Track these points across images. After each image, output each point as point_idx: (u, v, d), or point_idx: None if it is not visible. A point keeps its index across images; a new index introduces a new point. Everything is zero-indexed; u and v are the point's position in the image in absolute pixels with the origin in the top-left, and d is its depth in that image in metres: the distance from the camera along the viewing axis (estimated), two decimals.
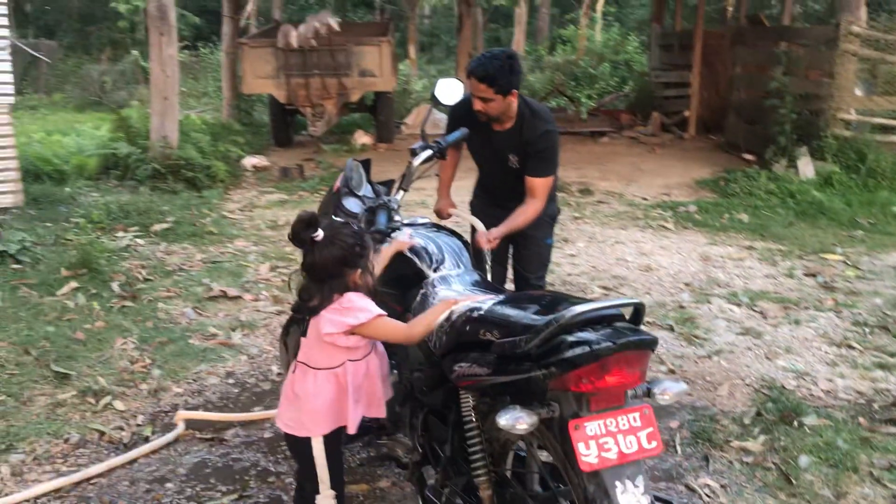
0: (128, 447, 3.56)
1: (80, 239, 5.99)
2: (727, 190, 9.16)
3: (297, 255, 2.54)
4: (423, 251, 2.81)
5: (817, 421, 3.79)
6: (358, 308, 2.42)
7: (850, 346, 4.80)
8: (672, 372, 4.43)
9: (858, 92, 9.99)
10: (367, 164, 3.29)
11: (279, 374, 4.24)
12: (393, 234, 2.88)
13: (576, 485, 2.00)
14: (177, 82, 9.08)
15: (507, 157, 3.70)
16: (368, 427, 3.05)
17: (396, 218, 3.07)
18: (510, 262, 4.05)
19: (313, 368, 2.50)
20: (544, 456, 2.28)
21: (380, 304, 2.50)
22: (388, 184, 3.35)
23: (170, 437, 3.60)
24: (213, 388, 4.19)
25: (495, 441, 2.39)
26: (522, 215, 3.67)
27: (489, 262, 3.39)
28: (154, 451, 3.52)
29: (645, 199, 9.01)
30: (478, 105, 3.53)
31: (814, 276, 6.20)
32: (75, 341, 4.57)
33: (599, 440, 1.94)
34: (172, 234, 6.96)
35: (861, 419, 3.85)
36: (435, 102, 3.45)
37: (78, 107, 17.43)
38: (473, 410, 2.35)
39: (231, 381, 4.29)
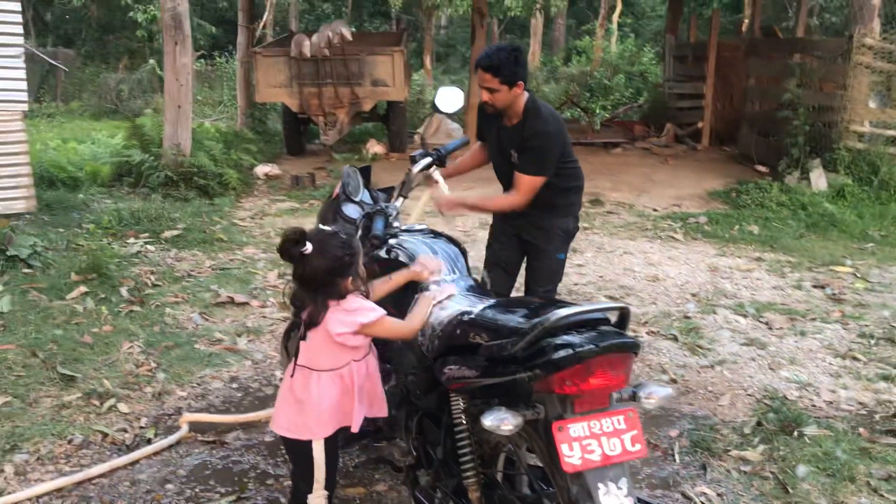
0: (131, 449, 3.60)
1: (90, 244, 6.06)
2: (738, 201, 9.14)
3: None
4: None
5: (817, 431, 3.78)
6: (366, 308, 2.49)
7: (855, 358, 4.78)
8: (674, 381, 4.43)
9: (872, 104, 9.95)
10: (366, 172, 3.33)
11: (282, 378, 4.27)
12: (404, 256, 2.87)
13: (560, 486, 2.02)
14: (190, 91, 9.18)
15: (510, 152, 3.75)
16: (366, 431, 3.08)
17: (395, 224, 3.11)
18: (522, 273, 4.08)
19: (316, 371, 2.54)
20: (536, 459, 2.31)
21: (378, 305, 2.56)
22: (389, 191, 3.39)
23: (173, 439, 3.64)
24: (217, 392, 4.23)
25: (485, 443, 2.41)
26: (495, 200, 3.76)
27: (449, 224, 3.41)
28: (156, 453, 3.56)
29: (655, 210, 9.01)
30: (484, 96, 3.60)
31: (822, 287, 6.18)
32: (82, 345, 4.63)
33: (583, 442, 1.96)
34: (183, 240, 7.02)
35: (862, 430, 3.84)
36: (435, 110, 3.48)
37: (94, 115, 17.64)
38: (463, 413, 2.38)
39: (235, 385, 4.33)
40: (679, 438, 3.78)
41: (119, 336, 4.81)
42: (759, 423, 3.89)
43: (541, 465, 2.19)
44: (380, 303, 2.63)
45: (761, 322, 5.38)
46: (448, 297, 2.49)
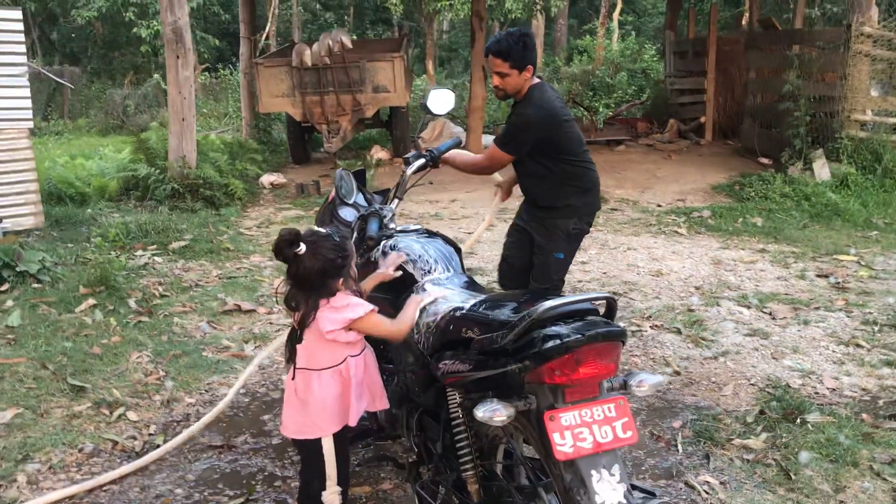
0: (140, 456, 3.66)
1: (98, 258, 6.14)
2: (742, 194, 9.16)
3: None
4: (413, 257, 2.88)
5: (820, 418, 3.80)
6: (354, 303, 2.54)
7: (859, 345, 4.80)
8: (677, 374, 4.46)
9: (874, 92, 9.95)
10: (360, 175, 3.38)
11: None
12: (383, 258, 2.93)
13: (555, 475, 2.05)
14: (193, 103, 9.26)
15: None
16: (369, 430, 3.13)
17: (391, 226, 3.16)
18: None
19: (316, 370, 2.59)
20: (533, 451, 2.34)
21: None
22: (385, 193, 3.44)
23: None
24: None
25: (483, 436, 2.46)
26: (464, 156, 3.91)
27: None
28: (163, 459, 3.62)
29: (659, 205, 9.03)
30: (495, 81, 3.74)
31: (826, 277, 6.20)
32: (92, 356, 4.69)
33: (574, 430, 2.00)
34: (190, 251, 7.09)
35: (864, 415, 3.86)
36: (426, 112, 3.53)
37: (101, 131, 17.79)
38: (459, 407, 2.42)
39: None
40: (682, 429, 3.81)
41: (128, 346, 4.87)
42: (761, 412, 3.91)
43: (537, 456, 2.23)
44: (375, 305, 2.69)
45: (765, 312, 5.40)
46: (433, 301, 2.53)
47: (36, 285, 5.86)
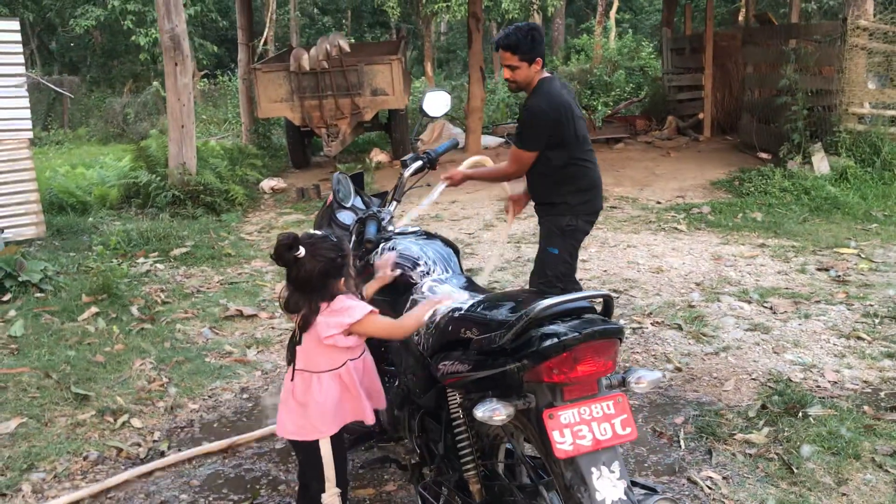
0: (145, 462, 3.68)
1: (100, 266, 6.16)
2: (742, 190, 9.16)
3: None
4: (412, 259, 2.90)
5: (822, 411, 3.81)
6: (352, 307, 2.54)
7: (860, 338, 4.80)
8: (679, 370, 4.47)
9: (871, 85, 9.94)
10: (358, 178, 3.40)
11: None
12: (375, 262, 2.94)
13: (555, 473, 2.06)
14: (192, 110, 9.29)
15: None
16: (371, 432, 3.14)
17: (390, 228, 3.17)
18: None
19: (316, 373, 2.60)
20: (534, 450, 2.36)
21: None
22: (383, 196, 3.46)
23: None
24: (228, 403, 4.30)
25: (484, 436, 2.47)
26: (488, 168, 4.08)
27: (428, 202, 3.69)
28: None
29: (659, 202, 9.03)
30: (506, 74, 3.84)
31: (826, 270, 6.20)
32: (95, 364, 4.71)
33: (574, 428, 2.01)
34: (191, 257, 7.12)
35: (866, 408, 3.86)
36: (422, 114, 3.55)
37: (101, 140, 17.83)
38: (460, 407, 2.43)
39: (245, 395, 4.40)
40: (684, 425, 3.82)
41: (131, 354, 4.89)
42: (763, 406, 3.92)
43: (538, 454, 2.25)
44: (375, 307, 2.71)
45: (765, 307, 5.41)
46: (444, 301, 2.54)
47: (38, 295, 5.89)
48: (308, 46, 12.33)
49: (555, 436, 2.00)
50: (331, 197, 3.30)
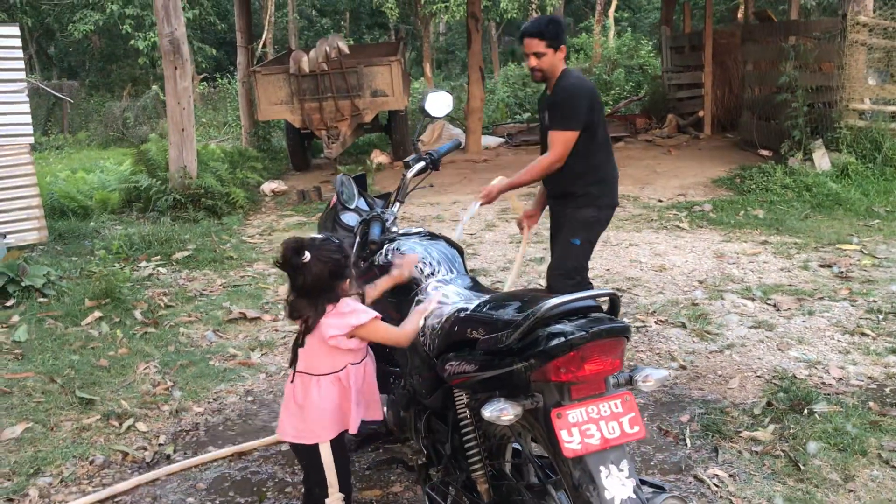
0: (151, 466, 3.68)
1: (102, 270, 6.16)
2: (743, 187, 9.16)
3: None
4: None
5: (827, 408, 3.80)
6: (358, 310, 2.55)
7: (864, 334, 4.80)
8: (683, 368, 4.47)
9: (871, 81, 9.95)
10: (361, 179, 3.40)
11: None
12: (394, 257, 2.94)
13: (564, 472, 2.06)
14: (192, 114, 9.29)
15: (545, 115, 4.02)
16: (377, 433, 3.14)
17: (394, 229, 3.17)
18: None
19: (316, 375, 2.60)
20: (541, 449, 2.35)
21: (378, 310, 2.62)
22: (386, 197, 3.46)
23: None
24: (233, 406, 4.30)
25: (491, 436, 2.47)
26: (530, 166, 3.98)
27: (464, 220, 3.76)
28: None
29: (660, 200, 9.04)
30: (532, 62, 3.89)
31: (829, 266, 6.20)
32: (99, 368, 4.71)
33: (582, 427, 2.01)
34: (193, 261, 7.12)
35: (872, 404, 3.86)
36: (424, 114, 3.55)
37: (102, 144, 17.85)
38: (467, 407, 2.43)
39: (250, 398, 4.40)
40: (690, 423, 3.81)
41: (135, 358, 4.89)
42: (768, 404, 3.91)
43: (546, 454, 2.24)
44: (381, 308, 2.71)
45: (769, 304, 5.40)
46: (438, 305, 2.55)
47: (41, 300, 5.89)
48: (307, 49, 12.34)
49: (563, 435, 1.99)
50: (334, 199, 3.30)
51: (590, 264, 6.49)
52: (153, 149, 9.85)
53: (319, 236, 2.61)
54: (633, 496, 2.00)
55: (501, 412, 2.03)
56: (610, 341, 2.02)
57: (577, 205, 4.05)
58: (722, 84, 13.45)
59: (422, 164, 3.34)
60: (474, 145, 13.05)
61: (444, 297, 2.57)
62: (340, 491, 2.67)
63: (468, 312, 2.34)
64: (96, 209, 9.30)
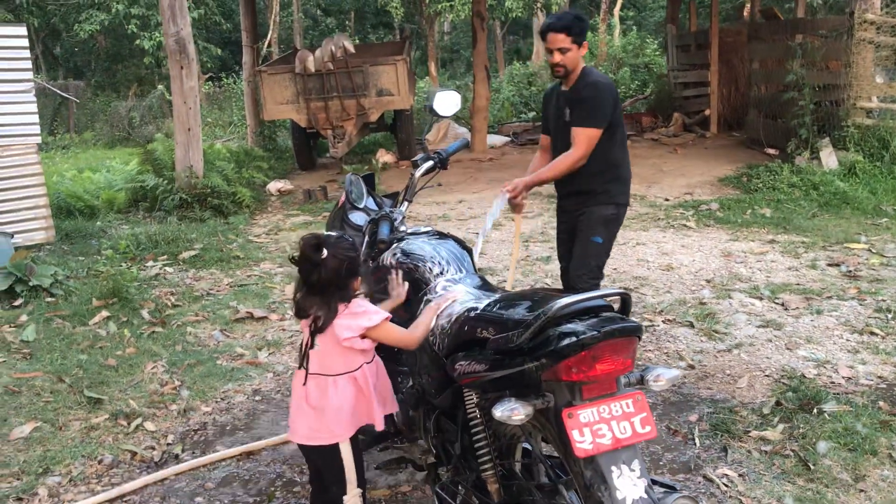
0: (159, 465, 3.68)
1: (109, 270, 6.17)
2: (750, 186, 9.14)
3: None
4: (426, 259, 2.89)
5: (837, 407, 3.79)
6: (371, 311, 2.55)
7: (873, 333, 4.78)
8: (691, 367, 4.45)
9: (879, 79, 9.90)
10: (369, 179, 3.40)
11: None
12: (391, 263, 2.94)
13: (575, 472, 2.05)
14: (199, 113, 9.30)
15: (565, 111, 3.98)
16: (386, 433, 3.13)
17: (402, 228, 3.17)
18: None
19: (332, 376, 2.60)
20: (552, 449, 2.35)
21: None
22: (394, 196, 3.45)
23: None
24: (241, 405, 4.30)
25: (501, 436, 2.46)
26: (555, 163, 3.96)
27: (489, 219, 3.73)
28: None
29: (667, 199, 9.02)
30: (556, 58, 3.86)
31: (837, 265, 6.17)
32: (107, 368, 4.72)
33: (593, 427, 2.00)
34: (200, 260, 7.13)
35: (882, 403, 3.85)
36: (432, 114, 3.54)
37: (108, 144, 17.88)
38: (477, 407, 2.43)
39: (258, 398, 4.40)
40: (699, 423, 3.80)
41: (142, 357, 4.90)
42: (777, 403, 3.90)
43: (557, 454, 2.24)
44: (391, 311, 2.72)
45: (777, 303, 5.39)
46: (451, 303, 2.54)
47: (49, 299, 5.90)
48: (313, 48, 12.35)
49: (574, 435, 1.99)
50: (343, 198, 3.29)
51: None
52: (159, 148, 9.86)
53: (334, 234, 2.61)
54: (645, 496, 1.99)
55: (512, 412, 2.03)
56: (622, 341, 2.01)
57: (596, 202, 4.03)
58: (728, 82, 13.42)
59: (430, 163, 3.34)
60: (480, 144, 13.04)
61: (456, 299, 2.56)
62: (358, 486, 2.68)
63: (478, 312, 2.34)
64: (103, 209, 9.31)
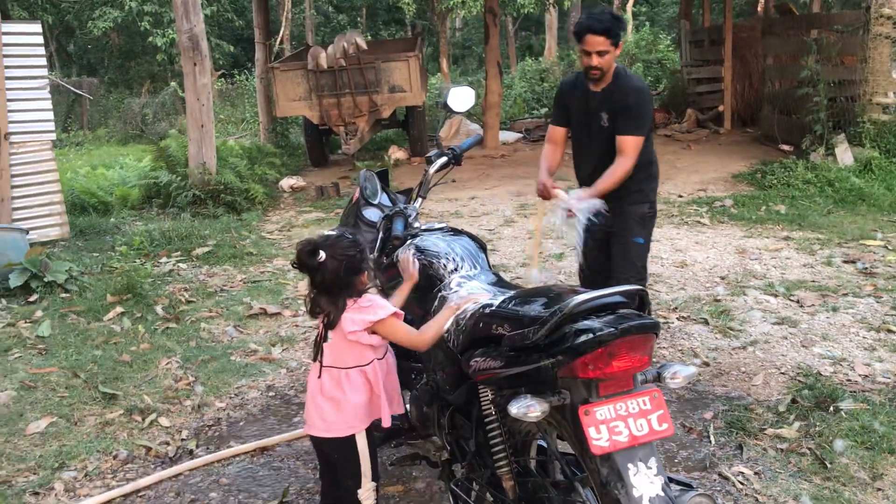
0: (174, 461, 3.69)
1: (123, 266, 6.20)
2: (764, 182, 9.08)
3: None
4: (440, 255, 2.88)
5: (854, 405, 3.76)
6: (378, 305, 2.56)
7: (890, 330, 4.75)
8: (706, 364, 4.43)
9: (895, 75, 9.81)
10: (383, 175, 3.39)
11: None
12: (398, 263, 2.93)
13: (591, 469, 2.04)
14: (211, 110, 9.32)
15: (600, 115, 3.89)
16: (399, 429, 3.13)
17: (416, 224, 3.16)
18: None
19: (344, 368, 2.60)
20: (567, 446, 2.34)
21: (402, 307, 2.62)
22: (408, 192, 3.45)
23: None
24: (255, 401, 4.31)
25: (517, 433, 2.45)
26: (611, 174, 3.83)
27: (580, 230, 3.63)
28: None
29: (680, 196, 8.97)
30: (594, 61, 3.75)
31: (853, 262, 6.13)
32: (122, 363, 4.74)
33: (610, 424, 1.99)
34: (214, 256, 7.15)
35: None
36: (447, 110, 3.53)
37: (121, 140, 17.95)
38: (492, 404, 2.42)
39: (271, 393, 4.41)
40: (714, 420, 3.79)
41: (156, 353, 4.92)
42: (793, 401, 3.88)
43: (572, 451, 2.23)
44: (404, 304, 2.72)
45: (792, 300, 5.35)
46: (469, 302, 2.52)
47: (64, 295, 5.94)
48: (325, 45, 12.34)
49: (591, 432, 1.98)
50: (357, 194, 3.29)
51: None
52: (173, 145, 9.89)
53: (332, 233, 2.62)
54: (662, 494, 1.98)
55: (528, 409, 2.02)
56: (639, 338, 1.99)
57: (632, 201, 3.99)
58: (742, 78, 13.31)
59: (444, 159, 3.33)
60: (492, 140, 13.02)
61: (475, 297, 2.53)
62: (372, 479, 2.68)
63: (493, 308, 2.33)
64: (116, 205, 9.35)
